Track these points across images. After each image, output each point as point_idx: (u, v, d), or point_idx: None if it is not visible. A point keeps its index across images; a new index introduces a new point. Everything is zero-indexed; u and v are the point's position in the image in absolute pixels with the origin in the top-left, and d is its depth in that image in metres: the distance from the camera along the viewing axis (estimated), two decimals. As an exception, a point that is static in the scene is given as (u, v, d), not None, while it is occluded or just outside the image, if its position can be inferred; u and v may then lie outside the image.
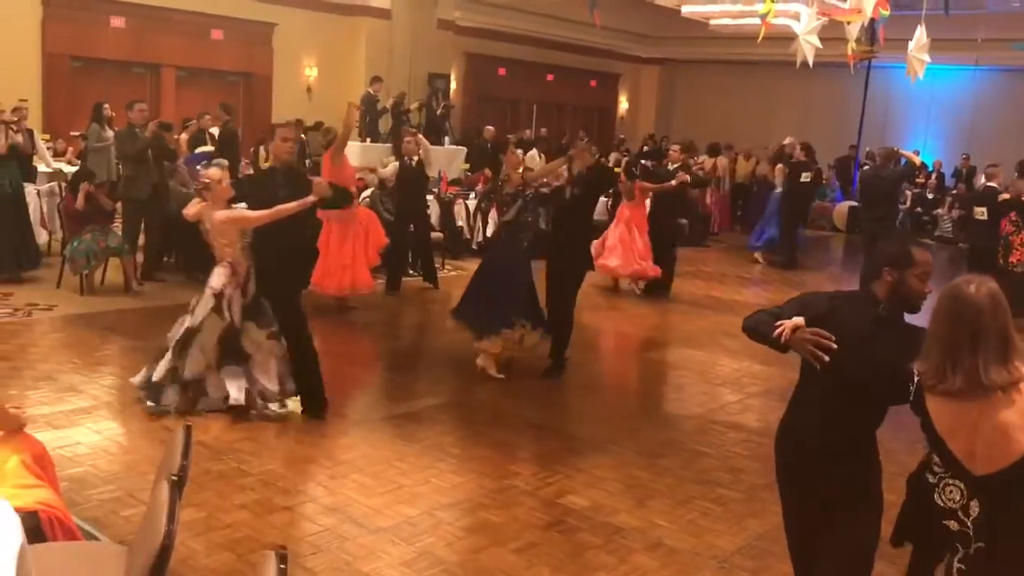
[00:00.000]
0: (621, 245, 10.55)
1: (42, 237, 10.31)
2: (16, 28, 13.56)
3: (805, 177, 13.90)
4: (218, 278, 5.61)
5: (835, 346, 2.90)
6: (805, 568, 3.26)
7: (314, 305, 8.94)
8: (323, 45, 17.55)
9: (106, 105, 11.55)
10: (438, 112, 16.75)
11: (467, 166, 15.83)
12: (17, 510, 2.78)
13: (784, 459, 3.26)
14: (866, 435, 3.15)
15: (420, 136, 10.71)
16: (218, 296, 5.60)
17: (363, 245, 8.91)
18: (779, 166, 14.03)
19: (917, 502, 3.10)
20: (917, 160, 12.82)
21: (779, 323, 2.99)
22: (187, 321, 5.70)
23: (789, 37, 11.26)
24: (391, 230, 9.86)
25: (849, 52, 10.85)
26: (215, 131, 13.38)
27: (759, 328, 3.09)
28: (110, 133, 11.43)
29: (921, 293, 3.06)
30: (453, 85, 19.55)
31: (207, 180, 5.60)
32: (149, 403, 5.72)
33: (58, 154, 12.50)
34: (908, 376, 2.85)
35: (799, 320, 2.98)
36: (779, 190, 13.91)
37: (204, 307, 5.64)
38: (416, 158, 9.88)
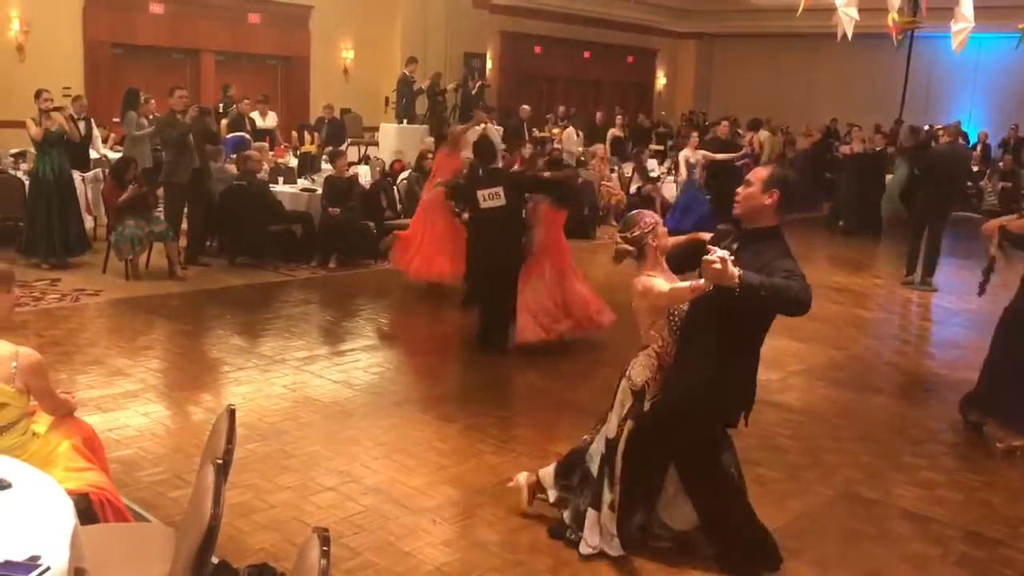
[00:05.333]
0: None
1: (88, 223, 10.51)
2: (58, 17, 13.80)
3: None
4: (640, 370, 4.01)
5: None
6: None
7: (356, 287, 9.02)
8: (359, 27, 17.61)
9: (152, 100, 11.66)
10: (473, 92, 16.72)
11: (504, 146, 15.80)
12: (69, 492, 2.86)
13: None
14: None
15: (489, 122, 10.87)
16: (638, 394, 4.00)
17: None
18: (701, 153, 13.04)
19: None
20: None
21: None
22: (603, 429, 4.14)
23: (829, 9, 11.11)
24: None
25: (890, 23, 10.67)
26: (255, 116, 13.51)
27: None
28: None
29: None
30: (488, 64, 19.49)
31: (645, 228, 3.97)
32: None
33: (102, 141, 12.70)
34: None
35: None
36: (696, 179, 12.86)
37: (620, 409, 4.04)
38: None
